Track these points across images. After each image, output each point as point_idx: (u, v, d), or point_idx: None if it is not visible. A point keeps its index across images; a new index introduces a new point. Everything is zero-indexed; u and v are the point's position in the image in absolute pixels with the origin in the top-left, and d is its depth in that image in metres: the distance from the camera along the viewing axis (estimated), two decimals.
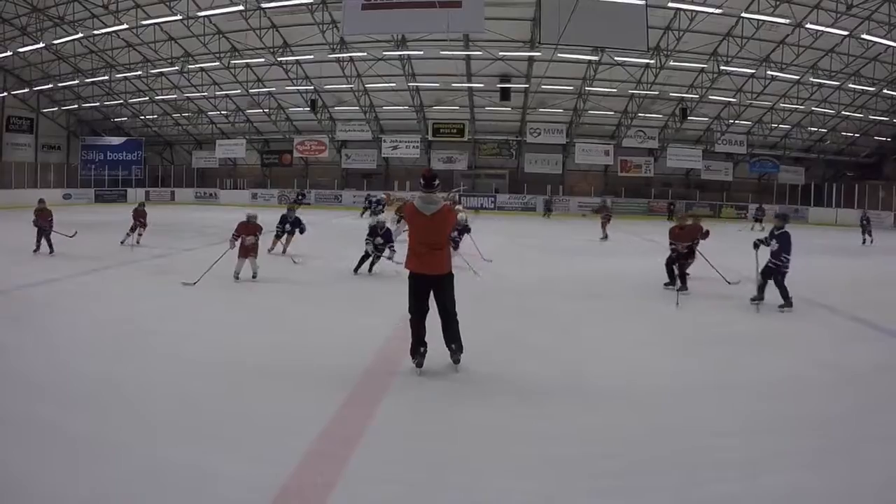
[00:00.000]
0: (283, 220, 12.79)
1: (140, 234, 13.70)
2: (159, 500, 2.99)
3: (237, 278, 9.26)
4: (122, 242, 13.32)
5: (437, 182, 5.01)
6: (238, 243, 9.38)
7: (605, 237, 17.85)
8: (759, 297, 8.20)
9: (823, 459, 3.60)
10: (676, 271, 9.44)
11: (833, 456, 3.65)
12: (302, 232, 12.73)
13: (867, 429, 4.10)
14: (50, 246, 11.73)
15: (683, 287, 9.18)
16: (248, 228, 9.48)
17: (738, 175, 35.49)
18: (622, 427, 4.03)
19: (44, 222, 11.82)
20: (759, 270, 8.31)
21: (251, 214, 9.84)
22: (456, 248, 10.82)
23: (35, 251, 11.66)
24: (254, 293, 8.60)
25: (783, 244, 7.99)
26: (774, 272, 8.06)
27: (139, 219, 13.71)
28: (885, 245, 19.27)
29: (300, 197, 31.57)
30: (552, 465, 3.47)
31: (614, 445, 3.75)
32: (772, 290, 8.01)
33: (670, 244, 9.70)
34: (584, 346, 6.29)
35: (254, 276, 9.38)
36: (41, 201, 12.31)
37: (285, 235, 12.81)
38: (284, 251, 12.48)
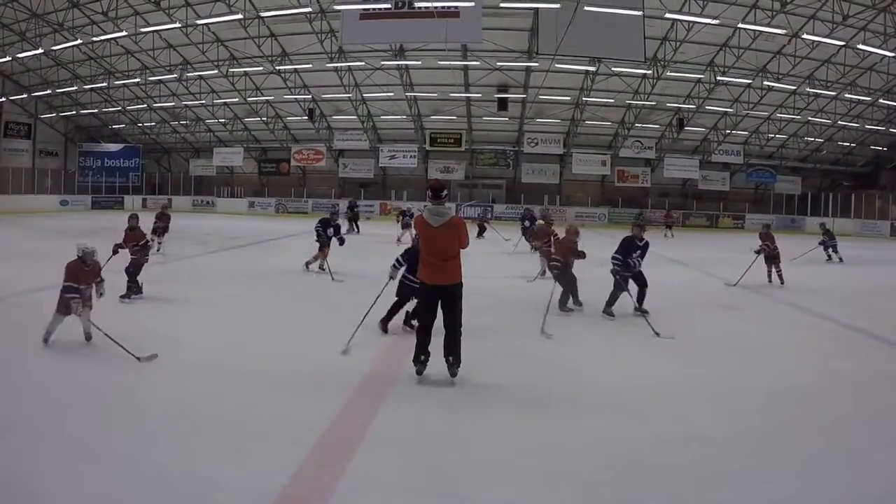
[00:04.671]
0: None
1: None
2: None
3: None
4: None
5: (445, 193, 5.04)
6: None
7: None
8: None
9: (825, 467, 3.60)
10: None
11: (834, 464, 3.64)
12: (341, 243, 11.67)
13: (868, 437, 4.10)
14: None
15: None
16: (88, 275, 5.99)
17: (735, 185, 35.60)
18: (623, 436, 4.02)
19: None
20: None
21: (87, 249, 6.04)
22: None
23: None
24: (253, 303, 8.57)
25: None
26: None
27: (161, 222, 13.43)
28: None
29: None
30: (552, 473, 3.45)
31: (615, 455, 3.73)
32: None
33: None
34: (584, 356, 6.27)
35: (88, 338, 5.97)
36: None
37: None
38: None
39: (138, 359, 5.32)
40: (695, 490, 3.29)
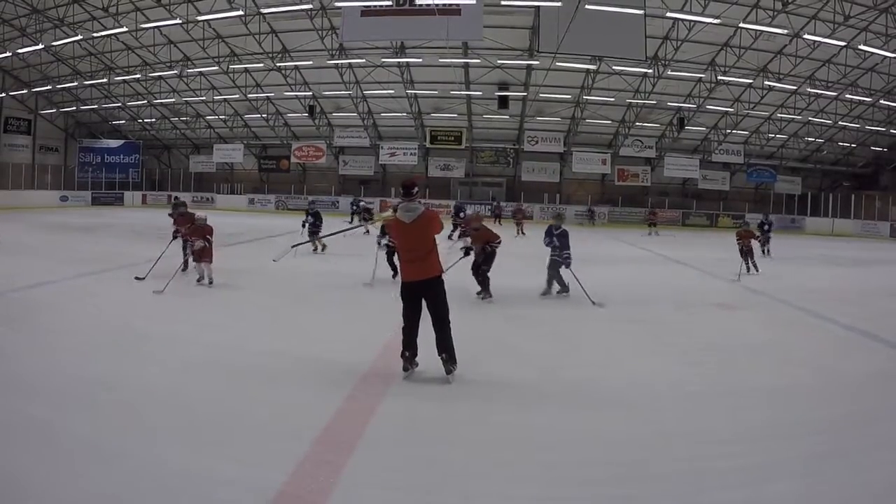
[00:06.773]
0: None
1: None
2: (156, 503, 2.97)
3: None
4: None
5: (416, 190, 5.13)
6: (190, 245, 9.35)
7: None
8: (547, 290, 9.29)
9: (824, 467, 3.58)
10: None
11: (834, 463, 3.63)
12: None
13: (867, 436, 4.09)
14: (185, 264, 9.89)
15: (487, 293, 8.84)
16: (196, 231, 9.29)
17: (735, 184, 35.64)
18: (623, 434, 4.00)
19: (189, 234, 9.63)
20: (547, 265, 9.31)
21: (200, 216, 9.66)
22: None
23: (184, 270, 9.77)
24: (252, 299, 8.56)
25: (563, 242, 9.07)
26: (559, 265, 9.11)
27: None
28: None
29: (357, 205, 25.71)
30: (552, 471, 3.44)
31: (615, 453, 3.72)
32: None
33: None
34: (581, 353, 6.26)
35: (209, 283, 9.15)
36: (183, 205, 10.76)
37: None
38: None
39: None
40: (695, 489, 3.28)
